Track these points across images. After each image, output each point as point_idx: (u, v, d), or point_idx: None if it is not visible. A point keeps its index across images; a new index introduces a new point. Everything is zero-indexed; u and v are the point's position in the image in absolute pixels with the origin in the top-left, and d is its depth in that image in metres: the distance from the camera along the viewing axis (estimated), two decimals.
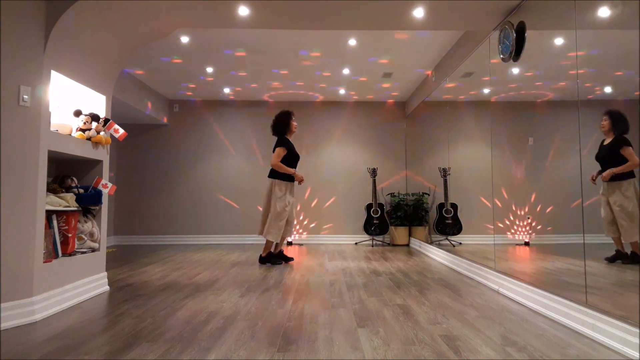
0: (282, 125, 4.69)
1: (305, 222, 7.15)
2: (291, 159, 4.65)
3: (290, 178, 4.62)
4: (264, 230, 4.60)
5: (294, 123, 4.72)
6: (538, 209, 2.93)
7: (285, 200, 4.56)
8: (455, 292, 3.23)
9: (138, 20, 3.21)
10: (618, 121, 2.23)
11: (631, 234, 2.20)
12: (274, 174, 4.61)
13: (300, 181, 4.63)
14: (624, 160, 2.21)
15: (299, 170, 5.12)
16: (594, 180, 2.38)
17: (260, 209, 7.13)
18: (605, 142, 2.33)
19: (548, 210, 2.81)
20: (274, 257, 4.72)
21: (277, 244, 4.80)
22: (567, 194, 2.56)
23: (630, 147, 2.15)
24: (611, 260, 2.33)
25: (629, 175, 2.22)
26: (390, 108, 7.32)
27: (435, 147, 5.43)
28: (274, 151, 4.63)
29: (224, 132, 7.24)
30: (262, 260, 4.72)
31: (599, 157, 2.35)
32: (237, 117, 7.26)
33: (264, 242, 7.02)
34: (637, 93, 2.01)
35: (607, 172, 2.27)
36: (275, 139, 4.81)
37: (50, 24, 2.67)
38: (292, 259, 4.92)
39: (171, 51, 4.87)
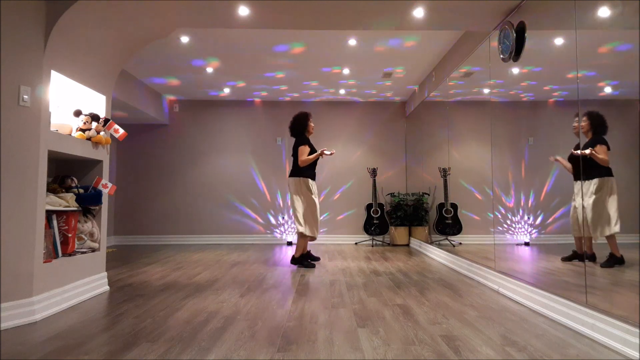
0: (300, 126, 4.64)
1: None
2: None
3: (311, 176, 4.55)
4: (299, 228, 4.50)
5: (312, 124, 4.68)
6: (538, 208, 2.93)
7: (311, 196, 4.48)
8: (455, 292, 3.23)
9: (138, 20, 3.21)
10: (597, 122, 2.25)
11: (602, 232, 2.24)
12: (297, 172, 4.51)
13: (330, 153, 4.54)
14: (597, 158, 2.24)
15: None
16: (556, 159, 2.42)
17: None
18: (583, 144, 2.35)
19: (548, 210, 2.81)
20: (306, 259, 4.58)
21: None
22: (567, 194, 2.56)
23: (605, 147, 2.18)
24: (568, 259, 2.38)
25: (603, 173, 2.23)
26: (390, 108, 7.32)
27: (435, 147, 5.43)
28: (294, 151, 4.55)
29: (224, 132, 7.24)
30: (294, 261, 4.56)
31: (573, 158, 2.38)
32: (237, 117, 7.26)
33: (265, 242, 7.05)
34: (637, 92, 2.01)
35: (588, 152, 2.27)
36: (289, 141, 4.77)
37: (50, 24, 2.67)
38: (313, 263, 4.63)
39: (172, 51, 4.87)
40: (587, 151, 2.23)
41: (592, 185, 2.27)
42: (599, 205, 2.23)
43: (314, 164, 4.58)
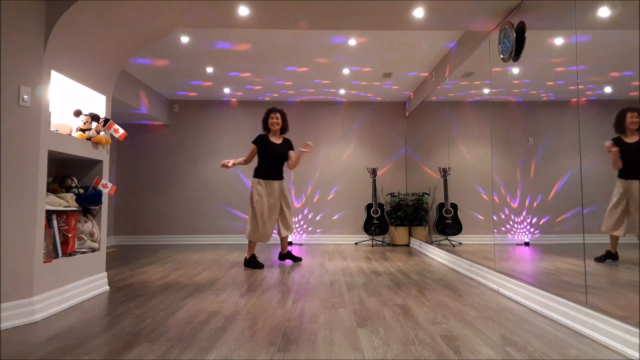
0: (263, 122, 4.75)
1: (305, 223, 7.15)
2: (265, 156, 4.56)
3: (263, 175, 4.52)
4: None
5: (271, 120, 4.64)
6: (538, 208, 2.93)
7: (256, 198, 4.45)
8: (455, 292, 3.23)
9: (138, 20, 3.21)
10: None
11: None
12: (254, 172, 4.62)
13: (224, 165, 4.45)
14: None
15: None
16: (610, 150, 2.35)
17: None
18: (629, 140, 2.29)
19: (548, 210, 2.81)
20: (251, 262, 4.49)
21: (282, 245, 4.86)
22: (567, 193, 2.56)
23: None
24: (601, 260, 2.34)
25: None
26: (390, 108, 7.32)
27: (435, 147, 5.43)
28: None
29: (224, 132, 7.24)
30: (245, 263, 4.56)
31: (628, 157, 2.31)
32: (237, 117, 7.26)
33: (265, 242, 7.03)
34: (637, 93, 2.01)
35: None
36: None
37: (50, 24, 2.67)
38: (298, 259, 4.92)
39: (172, 51, 4.87)
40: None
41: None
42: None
43: (269, 162, 4.55)
